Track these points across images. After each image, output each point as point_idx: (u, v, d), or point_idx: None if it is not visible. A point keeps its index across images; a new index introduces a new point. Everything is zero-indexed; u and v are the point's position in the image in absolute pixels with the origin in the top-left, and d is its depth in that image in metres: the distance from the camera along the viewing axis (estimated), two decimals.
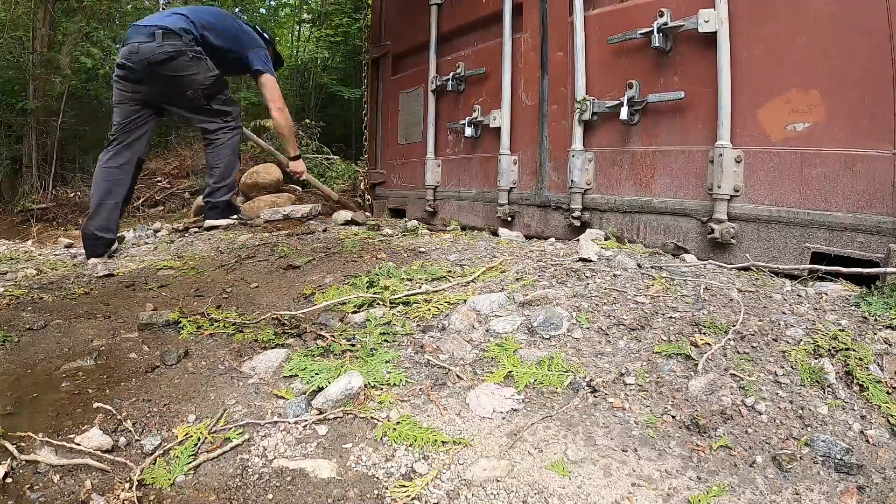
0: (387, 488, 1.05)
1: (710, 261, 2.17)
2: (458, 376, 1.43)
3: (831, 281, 1.90)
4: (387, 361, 1.48)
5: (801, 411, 1.21)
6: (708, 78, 2.34)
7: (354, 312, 1.84)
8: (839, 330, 1.44)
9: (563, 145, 2.96)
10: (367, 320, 1.75)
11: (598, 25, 2.80)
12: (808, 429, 1.17)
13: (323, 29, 9.30)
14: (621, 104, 2.60)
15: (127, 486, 1.07)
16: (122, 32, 7.33)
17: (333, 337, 1.66)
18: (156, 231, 4.12)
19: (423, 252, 2.57)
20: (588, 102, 2.78)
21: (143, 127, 3.25)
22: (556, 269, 2.05)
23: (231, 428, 1.24)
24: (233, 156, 3.50)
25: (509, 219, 3.31)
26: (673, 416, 1.24)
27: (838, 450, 1.10)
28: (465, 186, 3.73)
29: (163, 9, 7.76)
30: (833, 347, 1.37)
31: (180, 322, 1.81)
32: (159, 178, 6.58)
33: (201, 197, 3.92)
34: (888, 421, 1.17)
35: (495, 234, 3.22)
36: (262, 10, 10.53)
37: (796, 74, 2.13)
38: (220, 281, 2.31)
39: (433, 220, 3.98)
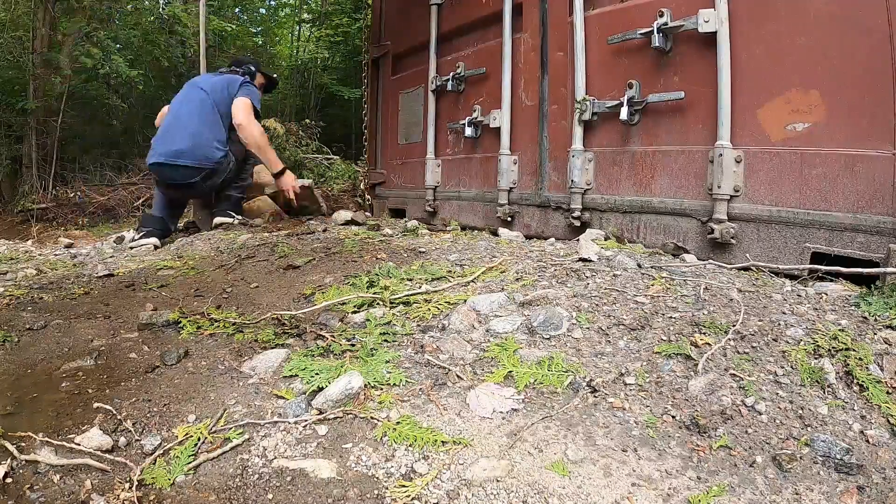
0: (387, 488, 1.05)
1: (710, 261, 2.17)
2: (458, 376, 1.43)
3: (831, 281, 1.90)
4: (387, 361, 1.48)
5: (801, 411, 1.21)
6: (708, 78, 2.34)
7: (354, 312, 1.84)
8: (839, 330, 1.44)
9: (563, 145, 2.96)
10: (367, 320, 1.75)
11: (598, 25, 2.80)
12: (808, 429, 1.17)
13: (323, 29, 9.31)
14: (621, 104, 2.61)
15: (127, 486, 1.07)
16: (122, 32, 7.34)
17: (333, 337, 1.66)
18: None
19: (423, 252, 2.57)
20: (588, 102, 2.78)
21: None
22: (556, 269, 2.05)
23: (231, 428, 1.24)
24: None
25: (509, 219, 3.31)
26: (673, 416, 1.24)
27: (838, 450, 1.10)
28: (465, 186, 3.73)
29: (162, 9, 7.76)
30: (833, 347, 1.37)
31: (180, 322, 1.81)
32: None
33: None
34: (888, 421, 1.17)
35: (495, 234, 3.22)
36: (262, 10, 10.54)
37: (796, 74, 2.13)
38: (220, 281, 2.31)
39: (433, 220, 3.98)
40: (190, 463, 1.13)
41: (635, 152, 2.68)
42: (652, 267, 2.03)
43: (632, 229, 2.69)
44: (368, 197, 4.87)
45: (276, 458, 1.15)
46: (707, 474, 1.08)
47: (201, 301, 2.06)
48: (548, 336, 1.58)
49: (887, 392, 1.24)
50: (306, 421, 1.25)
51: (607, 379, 1.38)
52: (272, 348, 1.62)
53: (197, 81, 3.87)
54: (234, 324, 1.80)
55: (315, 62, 9.74)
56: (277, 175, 3.86)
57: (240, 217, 3.75)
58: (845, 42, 2.01)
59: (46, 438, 1.19)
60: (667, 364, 1.40)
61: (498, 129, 3.32)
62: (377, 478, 1.09)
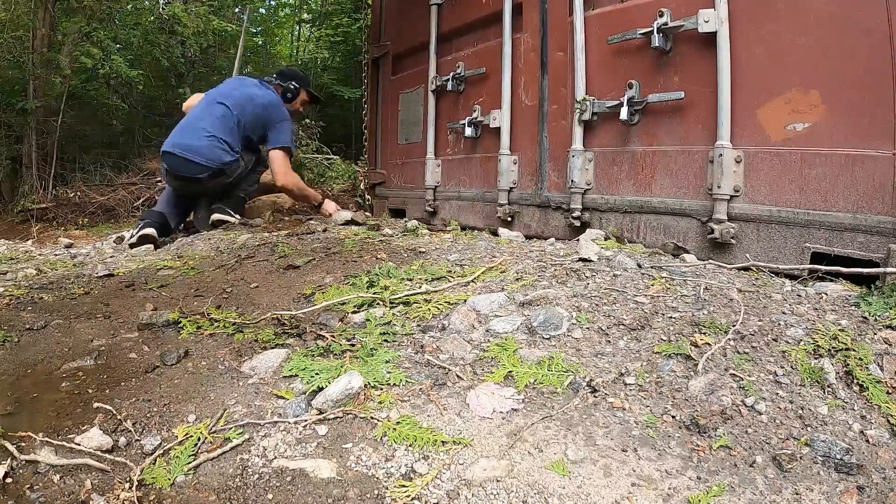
0: (387, 488, 1.05)
1: (710, 261, 2.17)
2: (458, 376, 1.43)
3: (831, 281, 1.90)
4: (387, 361, 1.48)
5: (801, 411, 1.21)
6: (708, 78, 2.34)
7: (354, 312, 1.84)
8: (839, 330, 1.44)
9: (563, 145, 2.96)
10: (367, 320, 1.75)
11: (598, 25, 2.80)
12: (808, 429, 1.17)
13: (323, 29, 9.30)
14: (621, 104, 2.61)
15: (127, 486, 1.07)
16: (122, 32, 7.34)
17: (333, 337, 1.66)
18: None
19: (423, 252, 2.57)
20: (588, 102, 2.78)
21: None
22: (556, 269, 2.05)
23: (231, 428, 1.24)
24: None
25: (509, 219, 3.31)
26: (673, 416, 1.24)
27: (838, 450, 1.10)
28: (465, 186, 3.73)
29: (162, 9, 7.75)
30: (833, 347, 1.37)
31: (180, 322, 1.81)
32: (159, 179, 6.58)
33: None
34: (888, 421, 1.17)
35: (495, 234, 3.22)
36: (262, 10, 10.53)
37: (796, 74, 2.13)
38: (220, 281, 2.31)
39: (433, 220, 3.98)
40: (190, 463, 1.13)
41: (635, 152, 2.67)
42: (652, 267, 2.03)
43: (632, 229, 2.69)
44: (368, 197, 4.87)
45: (276, 458, 1.15)
46: (707, 474, 1.08)
47: (201, 301, 2.06)
48: (548, 336, 1.58)
49: (887, 392, 1.24)
50: (306, 421, 1.25)
51: (607, 379, 1.38)
52: (272, 348, 1.62)
53: (222, 94, 3.86)
54: (234, 324, 1.80)
55: (315, 62, 9.74)
56: (318, 206, 4.10)
57: (239, 217, 3.76)
58: (845, 42, 2.01)
59: (46, 438, 1.19)
60: (667, 364, 1.40)
61: (498, 129, 3.32)
62: (377, 478, 1.09)
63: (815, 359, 1.35)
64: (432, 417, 1.26)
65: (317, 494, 1.05)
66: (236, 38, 8.57)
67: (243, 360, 1.56)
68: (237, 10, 9.26)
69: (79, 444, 1.18)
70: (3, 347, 1.65)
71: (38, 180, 6.58)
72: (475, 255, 2.42)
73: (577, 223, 2.87)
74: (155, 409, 1.32)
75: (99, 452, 1.16)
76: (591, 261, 2.14)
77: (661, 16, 2.44)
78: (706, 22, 2.30)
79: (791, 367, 1.34)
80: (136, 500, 1.03)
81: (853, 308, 1.61)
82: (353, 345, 1.60)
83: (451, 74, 3.69)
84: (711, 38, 2.32)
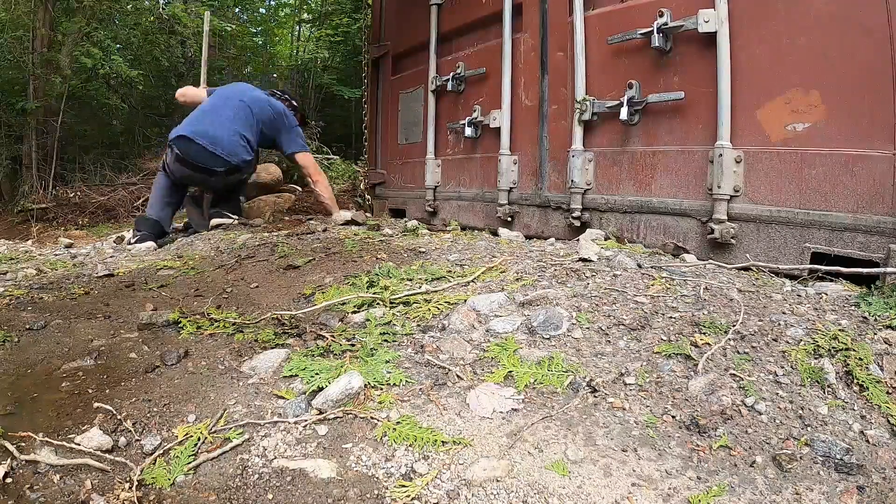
0: (387, 488, 1.05)
1: (710, 261, 2.17)
2: (458, 376, 1.43)
3: (831, 281, 1.90)
4: (387, 361, 1.48)
5: (801, 411, 1.21)
6: (708, 78, 2.34)
7: (354, 312, 1.84)
8: (839, 330, 1.44)
9: (563, 145, 2.96)
10: (367, 320, 1.75)
11: (598, 25, 2.80)
12: (808, 429, 1.17)
13: (323, 29, 9.30)
14: (621, 104, 2.61)
15: (127, 486, 1.07)
16: (122, 32, 7.34)
17: (333, 337, 1.66)
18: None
19: (423, 252, 2.57)
20: (588, 102, 2.78)
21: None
22: (556, 269, 2.05)
23: (231, 428, 1.24)
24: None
25: (509, 219, 3.31)
26: (673, 416, 1.24)
27: (838, 450, 1.10)
28: (465, 186, 3.73)
29: (162, 9, 7.76)
30: (833, 347, 1.37)
31: (180, 322, 1.81)
32: None
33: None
34: (888, 421, 1.17)
35: (495, 234, 3.22)
36: (262, 10, 10.53)
37: (796, 74, 2.13)
38: (220, 281, 2.31)
39: (433, 220, 3.98)
40: (190, 463, 1.13)
41: (635, 152, 2.67)
42: (652, 267, 2.03)
43: (632, 229, 2.69)
44: (368, 197, 4.87)
45: (276, 458, 1.15)
46: (707, 474, 1.08)
47: (201, 301, 2.06)
48: (548, 336, 1.58)
49: (887, 392, 1.24)
50: (306, 421, 1.25)
51: (607, 379, 1.38)
52: (272, 348, 1.62)
53: (237, 92, 3.86)
54: (234, 324, 1.80)
55: (315, 62, 9.73)
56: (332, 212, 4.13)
57: (237, 217, 3.75)
58: (845, 42, 2.01)
59: (46, 438, 1.19)
60: (667, 364, 1.40)
61: (498, 129, 3.32)
62: (377, 478, 1.09)
63: (815, 359, 1.35)
64: (432, 417, 1.26)
65: (317, 494, 1.05)
66: (237, 38, 8.57)
67: (243, 360, 1.56)
68: (237, 9, 9.26)
69: (79, 444, 1.18)
70: (3, 347, 1.65)
71: (38, 180, 6.58)
72: (475, 255, 2.42)
73: (577, 223, 2.87)
74: (155, 409, 1.32)
75: (99, 452, 1.16)
76: (591, 261, 2.14)
77: (661, 16, 2.44)
78: (706, 22, 2.30)
79: (791, 367, 1.34)
80: (136, 500, 1.03)
81: (853, 308, 1.61)
82: (353, 345, 1.60)
83: (451, 74, 3.69)
84: (711, 38, 2.32)
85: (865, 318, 1.53)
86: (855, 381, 1.27)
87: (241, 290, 2.18)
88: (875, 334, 1.43)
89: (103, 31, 6.88)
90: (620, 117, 2.61)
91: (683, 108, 2.48)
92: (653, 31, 2.45)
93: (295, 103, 4.17)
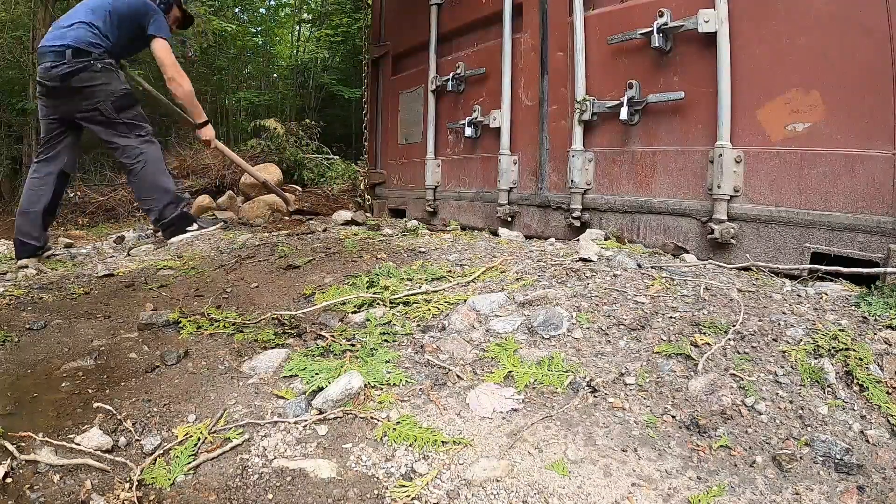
0: (387, 488, 1.05)
1: (710, 261, 2.17)
2: (458, 376, 1.43)
3: (831, 281, 1.90)
4: (387, 361, 1.48)
5: (801, 411, 1.21)
6: (708, 78, 2.34)
7: (354, 312, 1.84)
8: (839, 330, 1.44)
9: (563, 145, 2.96)
10: (367, 320, 1.75)
11: (598, 25, 2.80)
12: (808, 429, 1.17)
13: (323, 29, 9.30)
14: (621, 104, 2.61)
15: (127, 486, 1.07)
16: None
17: (333, 337, 1.66)
18: (155, 231, 4.12)
19: (423, 252, 2.57)
20: (588, 102, 2.78)
21: (62, 142, 3.26)
22: (556, 269, 2.05)
23: (231, 428, 1.24)
24: (158, 173, 3.32)
25: (509, 219, 3.31)
26: (673, 416, 1.24)
27: (838, 450, 1.10)
28: (465, 186, 3.73)
29: None
30: (833, 347, 1.37)
31: (180, 322, 1.81)
32: None
33: (151, 223, 3.67)
34: (888, 421, 1.17)
35: (495, 234, 3.22)
36: (262, 10, 10.53)
37: (796, 74, 2.13)
38: (220, 281, 2.31)
39: (433, 220, 3.98)
40: (190, 463, 1.13)
41: (635, 152, 2.67)
42: (652, 267, 2.03)
43: (632, 229, 2.69)
44: (368, 197, 4.87)
45: (276, 458, 1.15)
46: (707, 474, 1.08)
47: (201, 301, 2.06)
48: (548, 336, 1.58)
49: (887, 392, 1.24)
50: (306, 421, 1.25)
51: (607, 379, 1.38)
52: (272, 348, 1.62)
53: None
54: (234, 324, 1.80)
55: (315, 62, 9.74)
56: (199, 126, 3.62)
57: (196, 226, 3.40)
58: (845, 42, 2.01)
59: (46, 438, 1.19)
60: (667, 364, 1.40)
61: (498, 129, 3.32)
62: (377, 478, 1.09)
63: (815, 359, 1.35)
64: (432, 417, 1.26)
65: (317, 494, 1.05)
66: (237, 38, 8.57)
67: (243, 360, 1.56)
68: (237, 9, 9.24)
69: (79, 444, 1.18)
70: (3, 347, 1.65)
71: None
72: (475, 255, 2.42)
73: (577, 223, 2.87)
74: (155, 409, 1.32)
75: (99, 452, 1.16)
76: (591, 261, 2.14)
77: (661, 16, 2.44)
78: (706, 22, 2.30)
79: (791, 367, 1.34)
80: (136, 500, 1.03)
81: (853, 308, 1.61)
82: (353, 345, 1.60)
83: (451, 74, 3.69)
84: (711, 38, 2.32)
85: (865, 318, 1.53)
86: (855, 381, 1.27)
87: (241, 290, 2.18)
88: (875, 334, 1.43)
89: None
90: (620, 117, 2.61)
91: (683, 108, 2.48)
92: (653, 31, 2.45)
93: None
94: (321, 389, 1.32)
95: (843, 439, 1.13)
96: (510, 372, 1.41)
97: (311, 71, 9.68)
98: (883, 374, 1.29)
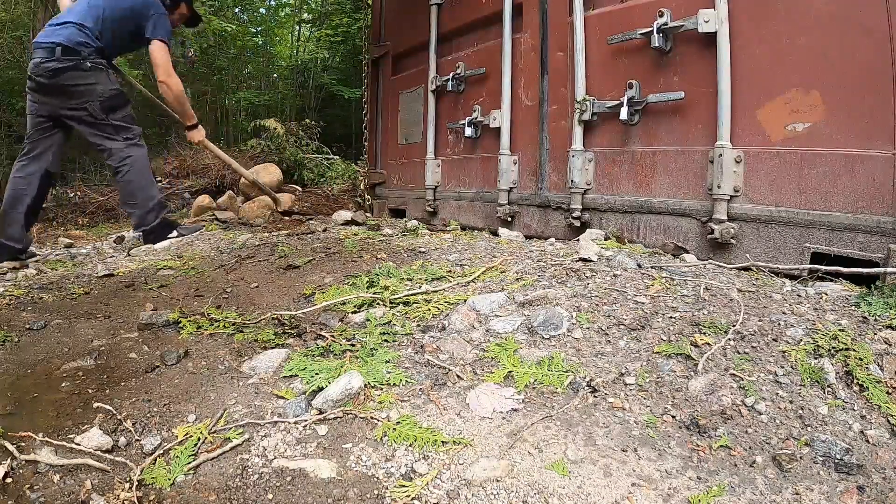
0: (387, 488, 1.05)
1: (710, 261, 2.17)
2: (458, 376, 1.43)
3: (831, 281, 1.90)
4: (387, 361, 1.48)
5: (801, 411, 1.21)
6: (708, 78, 2.34)
7: (354, 312, 1.84)
8: (839, 330, 1.44)
9: (563, 145, 2.96)
10: (367, 320, 1.75)
11: (598, 25, 2.80)
12: (808, 429, 1.17)
13: (323, 29, 9.29)
14: (621, 104, 2.61)
15: (127, 486, 1.07)
16: None
17: (333, 337, 1.66)
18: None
19: (423, 252, 2.57)
20: (588, 102, 2.78)
21: (48, 140, 3.21)
22: (556, 269, 2.05)
23: (231, 428, 1.24)
24: (143, 178, 3.28)
25: (509, 219, 3.31)
26: (673, 416, 1.24)
27: (838, 450, 1.10)
28: (465, 186, 3.73)
29: None
30: (833, 347, 1.37)
31: (180, 322, 1.81)
32: (159, 179, 6.58)
33: (132, 229, 3.58)
34: (888, 421, 1.17)
35: (495, 234, 3.22)
36: (262, 10, 10.53)
37: (796, 75, 2.13)
38: (220, 281, 2.31)
39: (433, 220, 3.98)
40: (190, 463, 1.13)
41: (635, 152, 2.67)
42: (652, 267, 2.03)
43: (632, 229, 2.69)
44: (368, 197, 4.87)
45: (276, 458, 1.15)
46: (707, 474, 1.08)
47: (201, 301, 2.06)
48: (548, 336, 1.58)
49: (887, 392, 1.24)
50: (306, 421, 1.25)
51: (607, 379, 1.38)
52: (272, 348, 1.62)
53: None
54: (234, 324, 1.80)
55: (315, 62, 9.73)
56: (189, 128, 3.61)
57: (176, 232, 3.37)
58: (845, 42, 2.01)
59: (46, 438, 1.19)
60: (667, 364, 1.40)
61: (498, 129, 3.32)
62: (377, 478, 1.09)
63: (815, 359, 1.35)
64: (432, 417, 1.26)
65: (317, 494, 1.05)
66: (237, 38, 8.56)
67: (243, 360, 1.56)
68: (237, 9, 9.24)
69: (79, 444, 1.18)
70: (3, 347, 1.65)
71: None
72: (475, 255, 2.42)
73: (577, 223, 2.87)
74: (155, 409, 1.32)
75: (99, 452, 1.16)
76: (591, 261, 2.14)
77: (661, 16, 2.44)
78: (706, 22, 2.30)
79: (791, 367, 1.34)
80: (136, 500, 1.03)
81: (853, 308, 1.61)
82: (353, 345, 1.60)
83: (451, 74, 3.69)
84: (711, 38, 2.32)
85: (865, 318, 1.53)
86: (855, 381, 1.27)
87: (241, 290, 2.18)
88: (875, 334, 1.43)
89: None
90: (620, 117, 2.61)
91: (683, 108, 2.48)
92: (653, 31, 2.45)
93: None
94: (321, 389, 1.32)
95: (843, 439, 1.13)
96: (510, 372, 1.42)
97: (311, 71, 9.68)
98: (883, 374, 1.29)
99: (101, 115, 3.13)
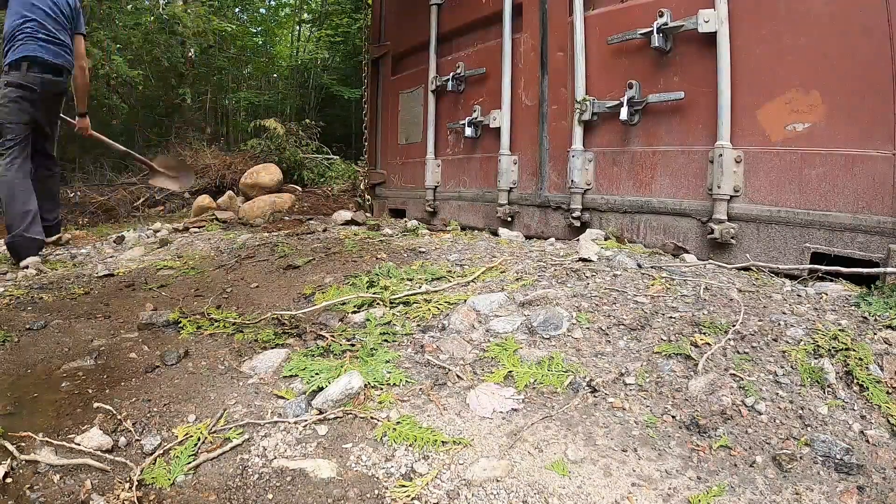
0: (387, 488, 1.05)
1: (710, 261, 2.17)
2: (458, 376, 1.43)
3: (831, 281, 1.90)
4: (387, 361, 1.48)
5: (801, 411, 1.21)
6: (708, 78, 2.34)
7: (354, 312, 1.84)
8: (839, 330, 1.44)
9: (563, 145, 2.96)
10: (367, 320, 1.75)
11: (598, 25, 2.80)
12: (808, 429, 1.17)
13: (323, 29, 9.30)
14: (621, 104, 2.61)
15: (127, 486, 1.07)
16: (122, 33, 7.34)
17: (333, 337, 1.66)
18: (156, 231, 4.12)
19: (423, 252, 2.57)
20: (588, 103, 2.78)
21: (30, 146, 3.39)
22: (556, 269, 2.05)
23: (231, 428, 1.24)
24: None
25: (509, 219, 3.31)
26: (673, 416, 1.24)
27: (838, 450, 1.10)
28: (465, 186, 3.73)
29: (163, 8, 7.75)
30: (833, 347, 1.37)
31: (180, 322, 1.81)
32: None
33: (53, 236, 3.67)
34: (888, 421, 1.17)
35: (495, 234, 3.22)
36: (263, 10, 10.53)
37: (796, 74, 2.13)
38: (220, 281, 2.31)
39: (433, 220, 3.98)
40: (190, 463, 1.13)
41: (635, 152, 2.67)
42: (652, 267, 2.03)
43: (632, 229, 2.69)
44: (368, 197, 4.87)
45: (276, 458, 1.15)
46: (707, 474, 1.08)
47: (201, 301, 2.06)
48: (548, 336, 1.58)
49: (887, 392, 1.24)
50: (306, 421, 1.25)
51: (607, 379, 1.38)
52: (272, 348, 1.62)
53: None
54: (234, 324, 1.80)
55: (315, 62, 9.73)
56: (81, 115, 3.88)
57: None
58: (845, 42, 2.01)
59: (46, 438, 1.19)
60: (667, 364, 1.40)
61: (498, 130, 3.32)
62: (377, 478, 1.09)
63: (815, 359, 1.35)
64: (432, 417, 1.26)
65: (317, 494, 1.05)
66: (237, 38, 8.57)
67: (243, 360, 1.56)
68: (237, 9, 9.24)
69: (79, 444, 1.18)
70: (3, 347, 1.65)
71: None
72: (475, 255, 2.42)
73: (577, 223, 2.87)
74: (155, 409, 1.32)
75: (99, 452, 1.16)
76: (591, 261, 2.14)
77: (661, 16, 2.44)
78: (706, 22, 2.30)
79: (791, 367, 1.34)
80: (136, 500, 1.03)
81: (853, 308, 1.61)
82: (353, 345, 1.60)
83: (451, 74, 3.69)
84: (711, 38, 2.32)
85: (865, 318, 1.53)
86: (855, 381, 1.27)
87: (241, 290, 2.18)
88: (875, 334, 1.43)
89: (103, 32, 6.87)
90: (620, 117, 2.61)
91: (683, 108, 2.48)
92: (653, 31, 2.45)
93: None
94: (321, 389, 1.32)
95: (843, 439, 1.13)
96: (510, 372, 1.41)
97: (311, 71, 9.68)
98: (883, 374, 1.29)
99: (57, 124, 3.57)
